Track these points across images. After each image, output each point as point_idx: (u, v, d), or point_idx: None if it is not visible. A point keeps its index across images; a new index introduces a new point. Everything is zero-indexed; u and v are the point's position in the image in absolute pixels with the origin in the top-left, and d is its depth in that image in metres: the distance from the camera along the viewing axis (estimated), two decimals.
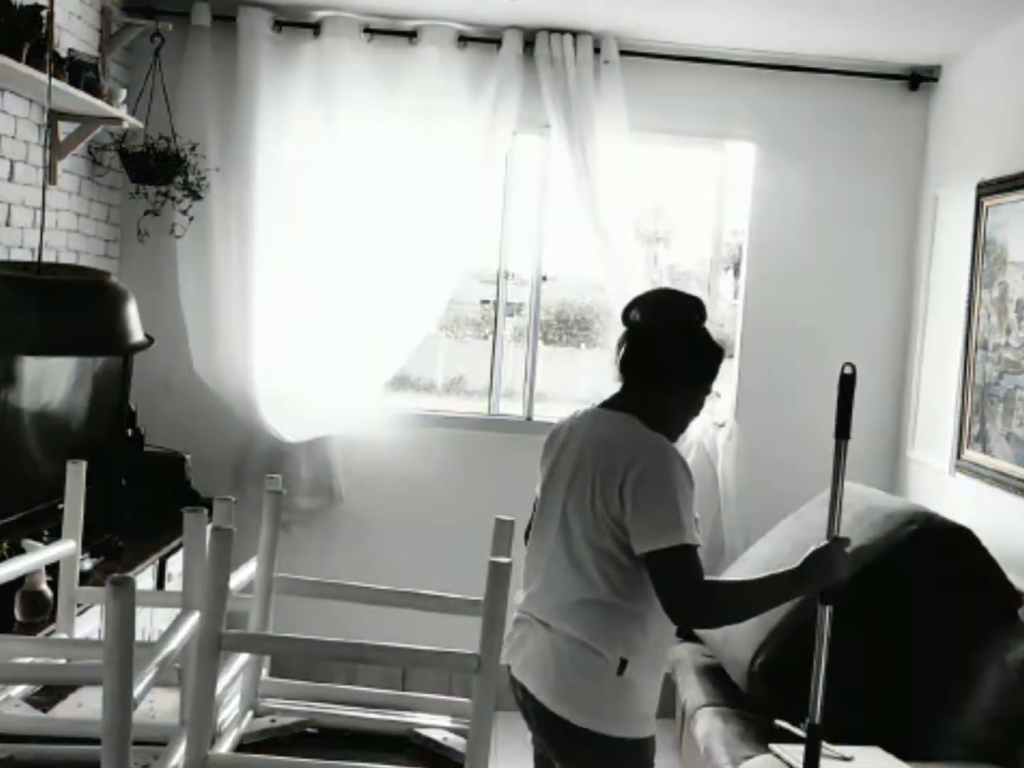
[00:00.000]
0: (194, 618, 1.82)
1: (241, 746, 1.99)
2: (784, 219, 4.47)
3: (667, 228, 4.96)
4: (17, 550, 2.87)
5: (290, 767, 1.89)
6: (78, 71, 3.36)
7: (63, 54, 3.36)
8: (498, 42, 4.24)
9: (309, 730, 2.09)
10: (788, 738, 2.61)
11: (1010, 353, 3.64)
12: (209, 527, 1.92)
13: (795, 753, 2.66)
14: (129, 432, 3.84)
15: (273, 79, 4.20)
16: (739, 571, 3.56)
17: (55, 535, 2.47)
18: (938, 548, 3.22)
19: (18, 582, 2.72)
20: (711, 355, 2.27)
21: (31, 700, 2.11)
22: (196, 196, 4.00)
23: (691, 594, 2.07)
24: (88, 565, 3.12)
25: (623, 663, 2.14)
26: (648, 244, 4.82)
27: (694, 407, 2.30)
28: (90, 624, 2.85)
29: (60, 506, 2.31)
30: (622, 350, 2.27)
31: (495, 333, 4.63)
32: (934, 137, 4.43)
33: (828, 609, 2.20)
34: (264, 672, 2.20)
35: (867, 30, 4.00)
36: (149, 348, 1.90)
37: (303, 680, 2.34)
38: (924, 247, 4.40)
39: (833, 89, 4.41)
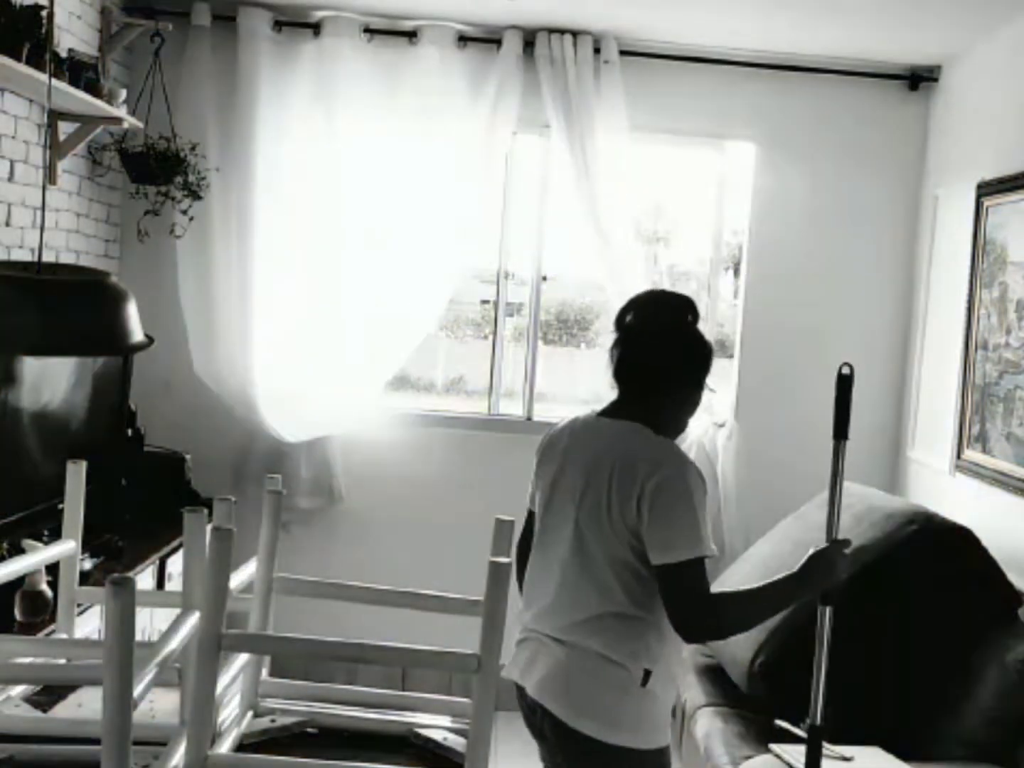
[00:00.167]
0: (194, 618, 1.82)
1: (241, 746, 1.99)
2: (784, 219, 4.47)
3: (667, 228, 4.97)
4: (17, 550, 2.87)
5: (290, 767, 1.89)
6: (78, 71, 3.35)
7: (63, 54, 3.36)
8: (498, 42, 4.24)
9: (309, 730, 2.09)
10: (788, 738, 2.60)
11: (1010, 353, 3.64)
12: (209, 527, 1.92)
13: (795, 753, 2.67)
14: (129, 432, 3.84)
15: (273, 79, 4.19)
16: (739, 571, 3.56)
17: (55, 535, 2.47)
18: (938, 548, 3.22)
19: (18, 582, 2.72)
20: (706, 352, 2.27)
21: (31, 700, 2.11)
22: (196, 196, 4.00)
23: (697, 608, 2.07)
24: (88, 565, 3.11)
25: (647, 674, 2.12)
26: (648, 244, 4.82)
27: (693, 405, 2.29)
28: (90, 624, 2.85)
29: (60, 506, 2.32)
30: (616, 357, 2.24)
31: (495, 333, 4.63)
32: (934, 137, 4.43)
33: (828, 609, 2.20)
34: (264, 672, 2.20)
35: (867, 30, 4.00)
36: (149, 348, 1.90)
37: (303, 680, 2.34)
38: (924, 247, 4.40)
39: (833, 89, 4.41)
